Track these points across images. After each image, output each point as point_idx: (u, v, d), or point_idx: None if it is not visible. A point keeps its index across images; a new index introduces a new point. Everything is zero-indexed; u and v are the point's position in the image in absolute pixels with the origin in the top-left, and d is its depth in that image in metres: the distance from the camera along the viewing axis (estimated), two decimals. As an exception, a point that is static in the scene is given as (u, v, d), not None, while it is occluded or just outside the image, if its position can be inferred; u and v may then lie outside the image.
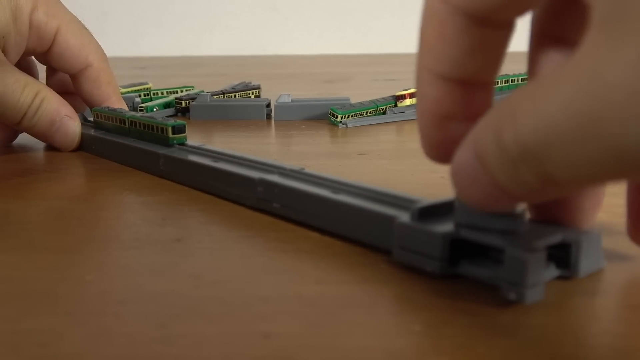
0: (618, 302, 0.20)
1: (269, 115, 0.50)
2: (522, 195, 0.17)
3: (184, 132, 0.34)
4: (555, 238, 0.20)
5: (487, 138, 0.17)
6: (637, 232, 0.21)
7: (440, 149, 0.20)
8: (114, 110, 0.38)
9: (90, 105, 0.41)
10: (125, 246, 0.25)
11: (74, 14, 0.41)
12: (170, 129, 0.33)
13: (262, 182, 0.27)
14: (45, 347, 0.17)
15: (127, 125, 0.36)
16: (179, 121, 0.34)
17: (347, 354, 0.17)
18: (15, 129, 0.40)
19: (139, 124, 0.35)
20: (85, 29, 0.40)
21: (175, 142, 0.33)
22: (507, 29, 0.19)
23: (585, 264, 0.21)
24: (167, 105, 0.52)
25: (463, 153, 0.18)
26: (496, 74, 0.20)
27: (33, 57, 0.42)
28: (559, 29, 0.20)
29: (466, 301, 0.19)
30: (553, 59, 0.20)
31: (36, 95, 0.37)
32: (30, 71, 0.41)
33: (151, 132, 0.34)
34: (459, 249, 0.21)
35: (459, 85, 0.19)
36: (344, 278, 0.21)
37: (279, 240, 0.25)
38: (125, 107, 0.42)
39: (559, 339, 0.17)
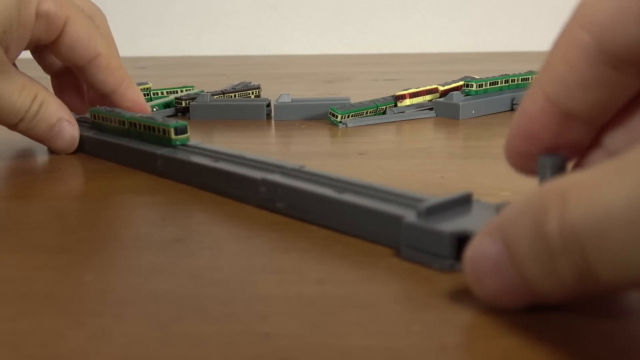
0: (623, 302, 0.20)
1: (269, 115, 0.50)
2: (552, 292, 0.16)
3: (187, 133, 0.33)
4: None
5: (522, 226, 0.16)
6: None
7: (519, 159, 0.21)
8: (112, 110, 0.38)
9: (104, 93, 0.40)
10: (125, 246, 0.25)
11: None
12: (172, 130, 0.33)
13: (265, 182, 0.27)
14: (45, 347, 0.17)
15: (126, 126, 0.36)
16: (181, 122, 0.33)
17: (347, 354, 0.17)
18: (12, 131, 0.40)
19: (140, 125, 0.35)
20: (89, 18, 0.39)
21: (178, 143, 0.33)
22: (634, 78, 0.18)
23: None
24: (167, 105, 0.52)
25: (486, 240, 0.17)
26: (604, 120, 0.20)
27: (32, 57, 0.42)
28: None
29: (466, 301, 0.19)
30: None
31: (35, 99, 0.36)
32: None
33: (153, 134, 0.34)
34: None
35: (561, 113, 0.19)
36: (345, 278, 0.21)
37: (279, 240, 0.25)
38: (138, 90, 0.41)
39: (559, 339, 0.17)
